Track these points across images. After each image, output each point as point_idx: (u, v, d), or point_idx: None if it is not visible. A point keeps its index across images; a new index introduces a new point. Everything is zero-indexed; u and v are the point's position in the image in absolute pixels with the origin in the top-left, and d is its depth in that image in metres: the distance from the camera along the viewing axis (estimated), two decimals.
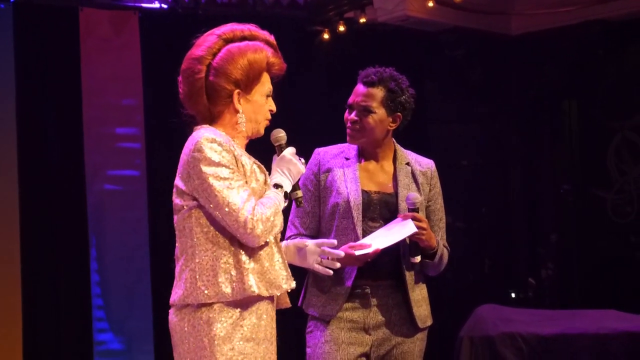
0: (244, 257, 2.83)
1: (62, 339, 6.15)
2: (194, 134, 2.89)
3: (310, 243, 3.34)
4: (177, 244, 2.91)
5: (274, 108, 3.01)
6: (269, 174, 3.00)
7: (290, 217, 3.67)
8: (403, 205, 3.58)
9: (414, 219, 3.50)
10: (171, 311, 2.91)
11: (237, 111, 2.93)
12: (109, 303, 6.34)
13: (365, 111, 3.61)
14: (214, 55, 2.91)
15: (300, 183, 3.65)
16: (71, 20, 6.29)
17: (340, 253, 3.32)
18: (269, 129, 3.04)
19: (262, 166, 2.98)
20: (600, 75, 7.71)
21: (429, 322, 3.69)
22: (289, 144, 3.06)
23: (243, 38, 2.95)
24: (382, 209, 3.61)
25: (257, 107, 2.97)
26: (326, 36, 7.03)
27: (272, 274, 2.87)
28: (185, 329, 2.83)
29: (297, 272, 3.14)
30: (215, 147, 2.81)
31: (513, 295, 7.82)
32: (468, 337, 5.92)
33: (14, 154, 6.05)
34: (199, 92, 2.91)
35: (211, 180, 2.79)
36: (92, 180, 6.32)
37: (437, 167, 3.77)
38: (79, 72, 6.29)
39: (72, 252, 6.24)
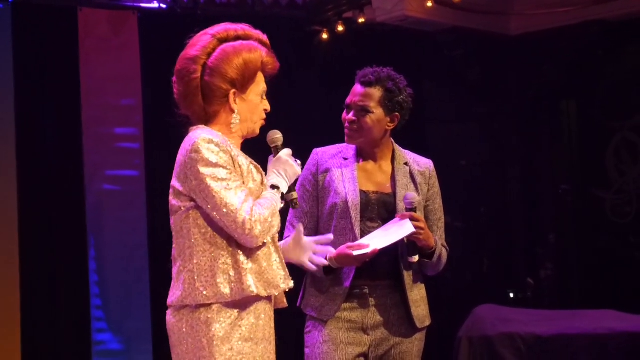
0: (242, 258, 2.83)
1: (61, 338, 6.15)
2: (190, 134, 2.89)
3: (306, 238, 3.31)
4: (174, 245, 2.91)
5: (268, 108, 3.01)
6: (265, 174, 3.00)
7: (288, 218, 3.66)
8: (401, 206, 3.58)
9: (411, 218, 3.50)
10: (169, 312, 2.90)
11: (232, 111, 2.93)
12: (108, 303, 6.34)
13: (363, 111, 3.61)
14: (209, 55, 2.90)
15: (298, 183, 3.67)
16: (70, 20, 6.29)
17: (330, 250, 3.29)
18: (264, 129, 3.04)
19: (259, 166, 2.98)
20: (599, 75, 7.72)
21: (428, 322, 3.69)
22: (285, 144, 3.06)
23: (237, 37, 2.95)
24: (380, 209, 3.61)
25: (252, 106, 2.96)
26: (325, 36, 7.03)
27: (270, 274, 2.87)
28: (184, 329, 2.83)
29: (296, 272, 3.14)
30: (212, 147, 2.81)
31: (512, 295, 7.82)
32: (467, 337, 5.93)
33: (13, 154, 6.05)
34: (195, 92, 2.91)
35: (209, 181, 2.79)
36: (90, 180, 6.32)
37: (435, 167, 3.77)
38: (77, 72, 6.29)
39: (70, 252, 6.24)
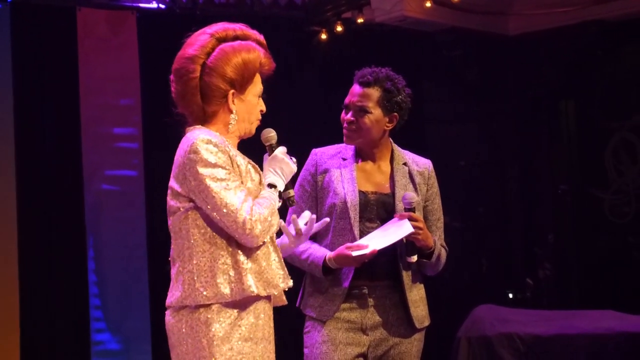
0: (241, 258, 2.83)
1: (60, 338, 6.15)
2: (187, 135, 2.89)
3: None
4: (172, 246, 2.91)
5: (264, 108, 3.01)
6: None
7: (287, 218, 3.66)
8: (400, 206, 3.58)
9: (410, 219, 3.50)
10: (168, 313, 2.90)
11: (231, 111, 2.93)
12: (107, 303, 6.34)
13: (362, 111, 3.61)
14: (208, 54, 2.90)
15: (297, 183, 3.67)
16: (69, 20, 6.29)
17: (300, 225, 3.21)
18: (259, 129, 3.04)
19: (257, 166, 2.98)
20: (597, 75, 7.72)
21: (427, 323, 3.69)
22: (284, 143, 3.06)
23: (236, 37, 2.94)
24: (379, 209, 3.61)
25: (250, 107, 2.96)
26: (324, 36, 7.03)
27: (269, 274, 2.87)
28: (183, 330, 2.83)
29: (295, 272, 3.14)
30: (211, 148, 2.81)
31: (510, 295, 7.82)
32: (465, 337, 5.93)
33: (12, 154, 6.04)
34: (193, 91, 2.90)
35: (208, 182, 2.79)
36: (89, 180, 6.32)
37: (434, 167, 3.77)
38: (76, 72, 6.28)
39: (69, 252, 6.24)
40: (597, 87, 7.74)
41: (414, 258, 3.56)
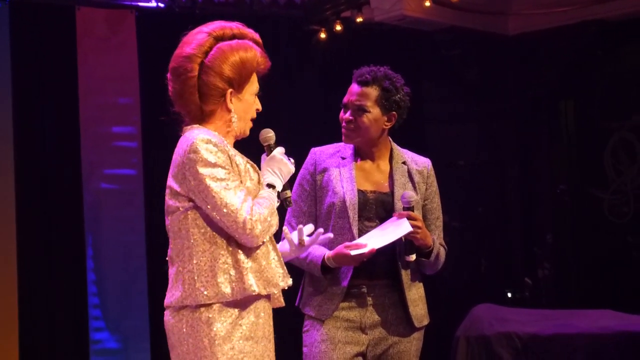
0: (242, 257, 2.83)
1: (59, 337, 6.15)
2: (186, 134, 2.89)
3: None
4: (170, 246, 2.91)
5: (260, 107, 3.01)
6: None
7: (286, 217, 3.67)
8: (399, 205, 3.58)
9: (408, 217, 3.50)
10: (167, 313, 2.90)
11: (229, 110, 2.93)
12: (105, 302, 6.33)
13: (360, 110, 3.60)
14: (206, 53, 2.90)
15: (296, 183, 3.67)
16: (68, 19, 6.28)
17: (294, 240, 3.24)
18: (257, 129, 3.04)
19: (255, 165, 2.98)
20: (597, 75, 7.72)
21: (426, 322, 3.69)
22: (283, 143, 3.06)
23: (233, 36, 2.94)
24: (378, 208, 3.61)
25: (247, 106, 2.97)
26: (323, 35, 7.03)
27: (269, 272, 2.88)
28: (184, 329, 2.83)
29: (295, 271, 3.14)
30: (210, 148, 2.81)
31: (509, 294, 7.82)
32: (464, 336, 5.93)
33: (11, 153, 6.04)
34: (192, 90, 2.90)
35: (208, 182, 2.79)
36: (88, 179, 6.31)
37: (433, 167, 3.77)
38: (75, 71, 6.28)
39: (68, 250, 6.24)
40: (597, 87, 7.74)
41: (413, 257, 3.56)
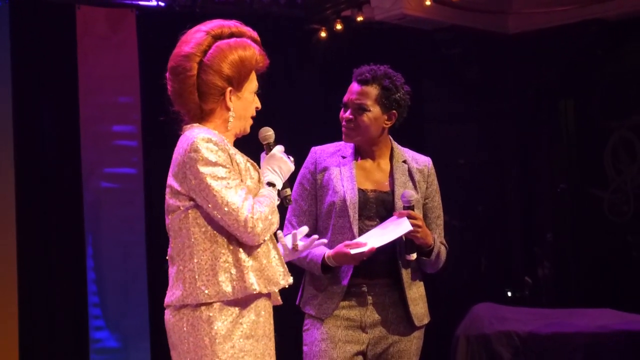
0: (242, 256, 2.83)
1: (58, 336, 6.15)
2: (186, 133, 2.89)
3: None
4: (170, 245, 2.91)
5: (259, 105, 3.01)
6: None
7: (287, 216, 3.67)
8: (399, 204, 3.58)
9: (409, 216, 3.50)
10: (167, 312, 2.90)
11: (228, 109, 2.93)
12: (105, 301, 6.33)
13: (360, 109, 3.60)
14: (204, 52, 2.90)
15: (297, 181, 3.67)
16: (68, 18, 6.28)
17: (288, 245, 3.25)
18: (256, 127, 3.04)
19: (255, 164, 2.98)
20: (597, 74, 7.72)
21: (426, 321, 3.69)
22: (284, 142, 3.07)
23: (231, 35, 2.94)
24: (378, 207, 3.61)
25: (246, 104, 2.97)
26: (323, 35, 7.03)
27: (269, 271, 2.88)
28: (184, 328, 2.83)
29: (295, 270, 3.15)
30: (211, 146, 2.81)
31: (509, 294, 7.82)
32: (464, 335, 5.94)
33: (11, 152, 6.04)
34: (191, 89, 2.90)
35: (209, 180, 2.79)
36: (88, 178, 6.31)
37: (433, 166, 3.77)
38: (75, 69, 6.28)
39: (68, 249, 6.23)
40: (597, 86, 7.74)
41: (414, 256, 3.56)
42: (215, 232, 2.83)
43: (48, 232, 6.17)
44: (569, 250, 7.93)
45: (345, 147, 3.70)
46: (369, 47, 6.95)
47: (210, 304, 2.80)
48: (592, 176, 7.84)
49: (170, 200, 2.89)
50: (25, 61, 6.14)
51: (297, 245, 3.15)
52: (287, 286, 2.94)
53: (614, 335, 5.60)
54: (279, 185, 2.97)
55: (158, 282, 5.81)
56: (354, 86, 3.64)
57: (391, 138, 3.73)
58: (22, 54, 6.12)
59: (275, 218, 2.88)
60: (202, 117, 2.93)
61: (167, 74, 2.95)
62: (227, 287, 2.80)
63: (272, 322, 2.94)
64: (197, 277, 2.81)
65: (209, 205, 2.80)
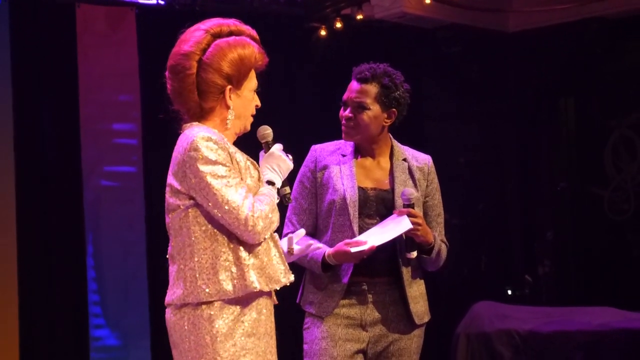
0: (243, 254, 2.83)
1: (59, 334, 6.15)
2: (186, 132, 2.89)
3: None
4: (171, 244, 2.90)
5: (259, 103, 3.01)
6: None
7: (287, 214, 3.67)
8: (399, 202, 3.58)
9: (409, 215, 3.50)
10: (168, 310, 2.90)
11: (228, 107, 2.93)
12: (105, 299, 6.33)
13: (360, 108, 3.60)
14: (203, 50, 2.90)
15: (297, 180, 3.67)
16: (68, 16, 6.27)
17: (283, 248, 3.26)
18: (256, 125, 3.04)
19: (255, 163, 2.98)
20: (597, 72, 7.72)
21: (426, 319, 3.69)
22: (283, 140, 3.07)
23: (230, 33, 2.94)
24: (378, 205, 3.61)
25: (246, 102, 2.97)
26: (323, 33, 7.02)
27: (271, 269, 2.88)
28: (185, 327, 2.83)
29: (295, 269, 3.15)
30: (211, 145, 2.81)
31: (509, 292, 7.83)
32: (464, 333, 5.94)
33: (11, 150, 6.03)
34: (190, 88, 2.90)
35: (209, 179, 2.79)
36: (88, 176, 6.31)
37: (433, 164, 3.77)
38: (75, 68, 6.27)
39: (68, 248, 6.23)
40: (597, 84, 7.74)
41: (414, 254, 3.56)
42: (215, 230, 2.83)
43: (48, 231, 6.17)
44: (569, 249, 7.93)
45: (345, 145, 3.70)
46: (368, 46, 6.95)
47: (211, 302, 2.80)
48: (592, 174, 7.84)
49: (170, 199, 2.89)
50: (25, 59, 6.13)
51: (292, 248, 3.15)
52: (288, 284, 2.94)
53: (614, 334, 5.60)
54: (279, 184, 2.98)
55: (158, 281, 5.81)
56: (354, 84, 3.64)
57: (391, 136, 3.73)
58: (22, 53, 6.11)
59: (276, 216, 2.88)
60: (202, 115, 2.93)
61: (167, 73, 2.95)
62: (228, 286, 2.80)
63: (273, 320, 2.95)
64: (197, 275, 2.81)
65: (209, 204, 2.80)
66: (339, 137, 3.70)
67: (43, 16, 6.22)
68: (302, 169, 3.70)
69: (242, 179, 2.86)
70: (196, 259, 2.83)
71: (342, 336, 3.57)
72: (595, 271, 7.68)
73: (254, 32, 3.00)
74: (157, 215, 6.26)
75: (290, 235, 3.18)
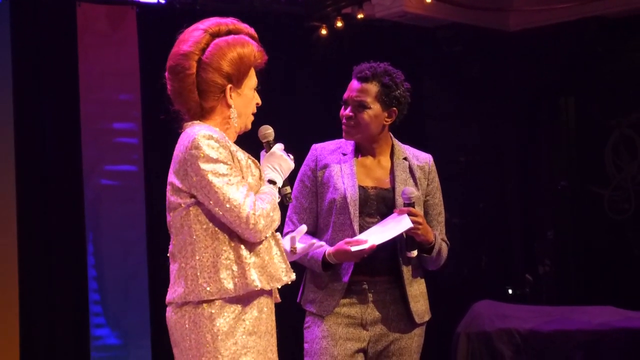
0: (244, 252, 2.84)
1: (59, 334, 6.15)
2: (187, 130, 2.89)
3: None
4: (172, 242, 2.90)
5: (259, 101, 3.02)
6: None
7: (288, 213, 3.67)
8: (400, 201, 3.58)
9: (409, 213, 3.50)
10: (169, 309, 2.90)
11: (229, 106, 2.93)
12: (106, 298, 6.33)
13: (360, 107, 3.60)
14: (203, 50, 2.90)
15: (297, 179, 3.68)
16: (68, 15, 6.27)
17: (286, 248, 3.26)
18: (257, 125, 3.04)
19: (257, 161, 2.98)
20: (598, 71, 7.72)
21: (427, 318, 3.69)
22: (284, 139, 3.07)
23: (228, 32, 2.95)
24: (379, 204, 3.61)
25: (247, 101, 2.97)
26: (324, 32, 7.02)
27: (272, 267, 2.88)
28: (186, 325, 2.83)
29: (296, 268, 3.15)
30: (212, 143, 2.81)
31: (510, 291, 7.82)
32: (465, 333, 5.93)
33: (12, 149, 6.03)
34: (190, 88, 2.90)
35: (210, 177, 2.79)
36: (89, 175, 6.31)
37: (434, 163, 3.77)
38: (76, 67, 6.27)
39: (69, 247, 6.23)
40: (598, 84, 7.74)
41: (414, 253, 3.56)
42: (216, 229, 2.83)
43: (48, 230, 6.17)
44: (570, 248, 7.93)
45: (345, 144, 3.70)
46: (369, 45, 6.95)
47: (212, 301, 2.80)
48: (592, 173, 7.84)
49: (171, 198, 2.89)
50: (25, 58, 6.13)
51: (295, 248, 3.16)
52: (289, 282, 2.94)
53: (614, 333, 5.60)
54: (280, 183, 2.98)
55: (159, 280, 5.82)
56: (354, 83, 3.64)
57: (392, 135, 3.73)
58: (23, 52, 6.11)
59: (277, 215, 2.88)
60: (202, 115, 2.93)
61: (166, 74, 2.95)
62: (229, 284, 2.81)
63: (274, 318, 2.95)
64: (198, 274, 2.81)
65: (211, 202, 2.80)
66: (339, 136, 3.71)
67: (43, 15, 6.21)
68: (303, 168, 3.70)
69: (243, 177, 2.86)
70: (197, 258, 2.83)
71: (343, 335, 3.57)
72: (596, 270, 7.68)
73: (252, 31, 3.00)
74: (157, 215, 6.29)
75: (292, 234, 3.18)
